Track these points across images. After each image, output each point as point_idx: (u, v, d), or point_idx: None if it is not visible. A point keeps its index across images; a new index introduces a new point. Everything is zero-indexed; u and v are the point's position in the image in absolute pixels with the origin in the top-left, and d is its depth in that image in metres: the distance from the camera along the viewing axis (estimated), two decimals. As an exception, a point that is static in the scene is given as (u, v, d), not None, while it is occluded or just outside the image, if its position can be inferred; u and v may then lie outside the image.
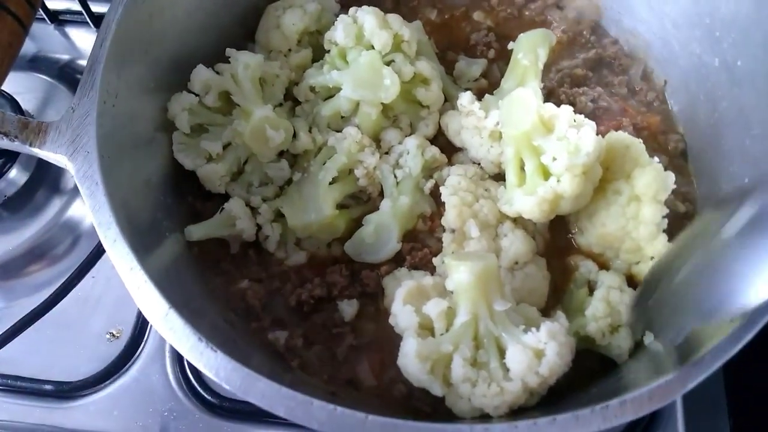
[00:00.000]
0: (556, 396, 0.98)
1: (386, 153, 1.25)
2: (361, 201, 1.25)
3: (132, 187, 1.03)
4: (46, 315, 1.24)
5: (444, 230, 1.17)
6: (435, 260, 1.16)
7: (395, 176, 1.22)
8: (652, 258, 1.09)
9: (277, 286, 1.18)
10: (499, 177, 1.21)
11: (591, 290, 1.12)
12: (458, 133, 1.25)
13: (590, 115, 1.26)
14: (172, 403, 1.24)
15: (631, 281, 1.12)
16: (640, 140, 1.11)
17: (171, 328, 0.85)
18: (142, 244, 0.93)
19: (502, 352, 0.95)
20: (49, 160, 0.99)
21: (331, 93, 1.26)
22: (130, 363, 1.29)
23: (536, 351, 0.93)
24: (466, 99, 1.21)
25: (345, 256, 1.20)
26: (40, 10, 1.64)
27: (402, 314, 1.00)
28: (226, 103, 1.23)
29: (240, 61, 1.20)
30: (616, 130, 1.15)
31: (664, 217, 1.07)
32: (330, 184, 1.19)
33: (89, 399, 1.26)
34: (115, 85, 1.03)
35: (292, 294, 1.16)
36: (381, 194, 1.24)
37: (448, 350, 0.94)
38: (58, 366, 1.29)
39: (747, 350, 0.82)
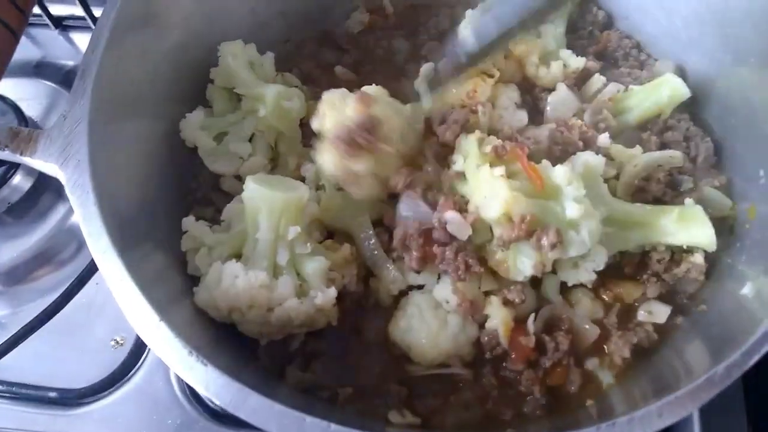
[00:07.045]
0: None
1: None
2: None
3: (126, 196, 1.01)
4: (49, 321, 1.23)
5: None
6: None
7: None
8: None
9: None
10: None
11: None
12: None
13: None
14: (177, 411, 1.22)
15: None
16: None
17: (160, 340, 0.83)
18: (134, 254, 0.91)
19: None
20: (41, 169, 0.97)
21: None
22: (134, 370, 1.27)
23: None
24: None
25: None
26: (44, 15, 1.65)
27: None
28: (229, 102, 1.23)
29: (227, 53, 1.20)
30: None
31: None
32: None
33: (94, 406, 1.25)
34: (108, 92, 1.01)
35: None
36: None
37: None
38: (62, 373, 1.28)
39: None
